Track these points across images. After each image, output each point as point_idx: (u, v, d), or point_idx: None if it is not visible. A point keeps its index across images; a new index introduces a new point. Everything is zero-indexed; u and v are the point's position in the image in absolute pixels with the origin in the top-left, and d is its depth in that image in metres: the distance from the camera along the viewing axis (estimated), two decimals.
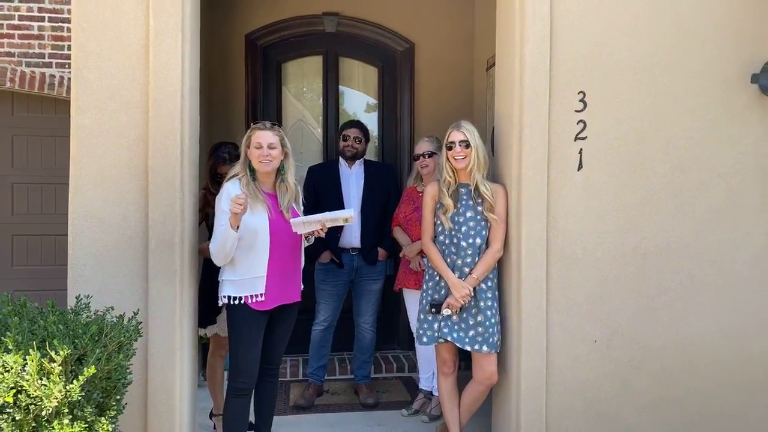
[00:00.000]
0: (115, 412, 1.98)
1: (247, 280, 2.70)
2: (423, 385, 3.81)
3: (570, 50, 2.93)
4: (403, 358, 4.62)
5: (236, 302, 2.71)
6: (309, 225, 2.72)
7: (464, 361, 3.34)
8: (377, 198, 3.86)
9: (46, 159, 5.12)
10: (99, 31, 2.67)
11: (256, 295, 2.70)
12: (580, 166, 2.95)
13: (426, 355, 3.72)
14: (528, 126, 2.89)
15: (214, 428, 3.37)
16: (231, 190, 2.69)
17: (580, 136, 2.95)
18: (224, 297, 2.74)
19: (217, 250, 2.66)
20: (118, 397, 1.98)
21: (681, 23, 3.00)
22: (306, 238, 2.91)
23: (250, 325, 2.73)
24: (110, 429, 1.88)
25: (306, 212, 2.96)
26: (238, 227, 2.61)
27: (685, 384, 3.05)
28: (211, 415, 3.42)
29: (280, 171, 2.81)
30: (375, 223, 3.85)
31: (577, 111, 2.95)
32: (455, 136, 2.94)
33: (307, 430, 3.49)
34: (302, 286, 2.93)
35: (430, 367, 3.73)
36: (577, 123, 2.95)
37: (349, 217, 2.79)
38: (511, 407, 2.98)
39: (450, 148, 2.94)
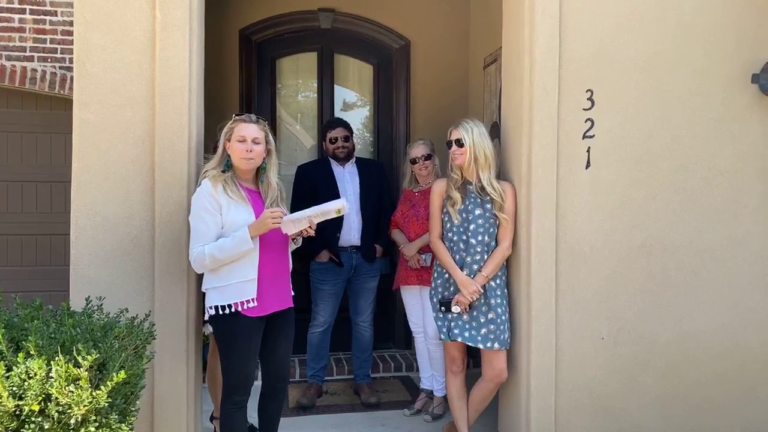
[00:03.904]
0: (134, 418, 1.91)
1: (234, 285, 2.44)
2: (424, 384, 3.79)
3: (578, 49, 2.95)
4: (400, 357, 4.59)
5: (225, 311, 2.45)
6: (299, 223, 2.47)
7: (472, 358, 3.34)
8: (373, 195, 3.84)
9: (26, 156, 4.95)
10: (103, 24, 2.58)
11: (247, 301, 2.45)
12: (588, 164, 2.97)
13: (425, 355, 3.70)
14: (538, 123, 2.89)
15: (215, 431, 3.29)
16: (207, 188, 2.43)
17: (588, 134, 2.97)
18: (211, 308, 2.47)
19: (213, 258, 2.38)
20: (137, 402, 1.91)
21: (685, 24, 3.05)
22: (293, 240, 2.66)
23: (247, 334, 2.48)
24: None
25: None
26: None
27: (687, 378, 3.09)
28: (212, 418, 3.33)
29: (261, 169, 2.57)
30: (373, 220, 3.84)
31: (585, 109, 2.97)
32: (452, 134, 2.96)
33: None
34: (293, 293, 2.70)
35: (430, 367, 3.71)
36: (585, 121, 2.97)
37: (341, 207, 2.52)
38: (520, 404, 2.98)
39: (449, 146, 2.95)
